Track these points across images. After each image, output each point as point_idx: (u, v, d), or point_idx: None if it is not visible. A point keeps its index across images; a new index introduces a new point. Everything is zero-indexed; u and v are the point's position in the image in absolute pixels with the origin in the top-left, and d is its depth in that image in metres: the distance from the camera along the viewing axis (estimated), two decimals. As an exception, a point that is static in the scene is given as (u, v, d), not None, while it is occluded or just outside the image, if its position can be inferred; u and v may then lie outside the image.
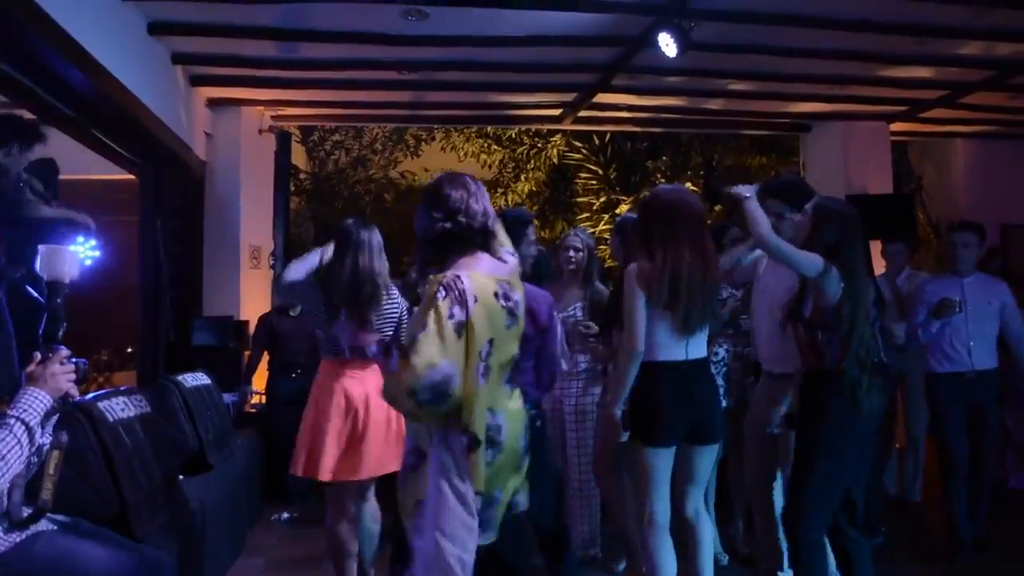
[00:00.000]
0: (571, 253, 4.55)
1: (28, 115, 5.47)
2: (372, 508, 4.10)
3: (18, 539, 2.43)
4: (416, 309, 2.39)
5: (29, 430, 2.32)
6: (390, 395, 2.39)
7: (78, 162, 5.84)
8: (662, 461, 3.36)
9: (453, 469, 2.35)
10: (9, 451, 2.27)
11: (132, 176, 6.73)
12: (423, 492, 2.38)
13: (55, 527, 2.56)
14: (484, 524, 2.42)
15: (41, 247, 2.52)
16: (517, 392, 2.64)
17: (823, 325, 3.26)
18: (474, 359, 2.34)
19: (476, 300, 2.35)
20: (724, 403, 4.55)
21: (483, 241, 2.51)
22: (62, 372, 2.43)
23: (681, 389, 3.34)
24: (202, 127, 7.20)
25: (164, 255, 6.42)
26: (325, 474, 3.77)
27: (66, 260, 2.53)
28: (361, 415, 3.78)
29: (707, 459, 3.49)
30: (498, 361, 2.45)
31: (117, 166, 6.50)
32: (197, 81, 6.84)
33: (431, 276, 2.39)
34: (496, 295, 2.44)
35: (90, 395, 3.47)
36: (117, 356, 9.43)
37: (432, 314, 2.30)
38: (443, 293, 2.32)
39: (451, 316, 2.29)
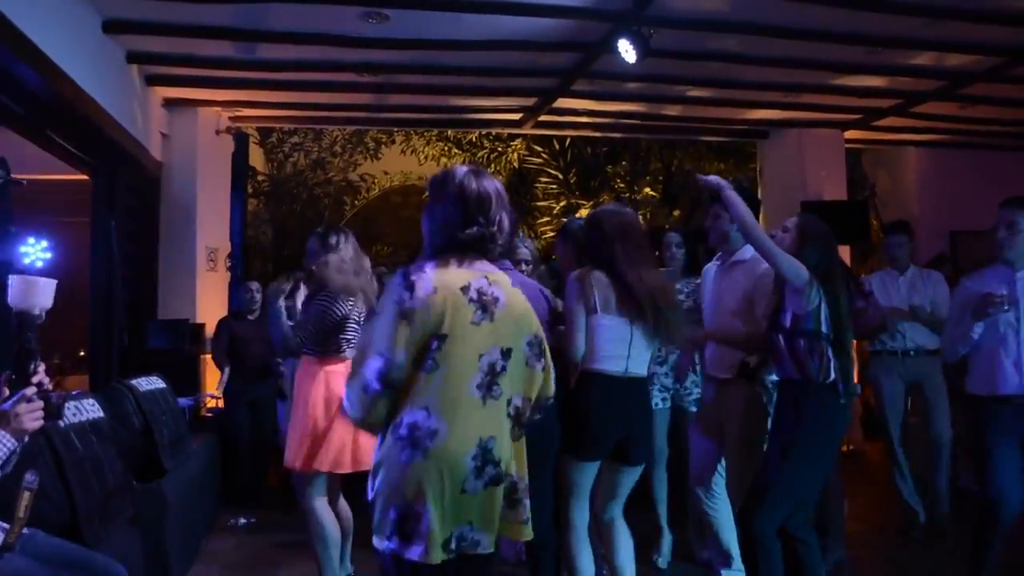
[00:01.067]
0: (523, 267, 4.54)
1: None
2: (344, 503, 4.16)
3: None
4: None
5: None
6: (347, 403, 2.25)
7: (30, 162, 5.74)
8: (586, 476, 3.41)
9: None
10: None
11: (85, 176, 6.62)
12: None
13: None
14: (410, 536, 2.11)
15: (12, 277, 2.36)
16: (501, 408, 2.25)
17: (804, 334, 3.30)
18: (411, 349, 2.16)
19: (434, 291, 2.18)
20: (668, 404, 4.67)
21: (497, 252, 2.39)
22: (27, 412, 2.31)
23: (614, 403, 3.36)
24: (158, 127, 7.11)
25: (118, 257, 6.32)
26: (329, 465, 3.80)
27: (39, 291, 2.36)
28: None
29: (630, 479, 3.52)
30: (462, 360, 2.19)
31: (69, 166, 6.39)
32: (153, 81, 6.75)
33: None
34: (465, 288, 2.22)
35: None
36: (69, 360, 9.25)
37: (383, 301, 2.22)
38: (400, 279, 2.21)
39: (399, 302, 2.17)
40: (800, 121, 8.42)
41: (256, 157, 10.23)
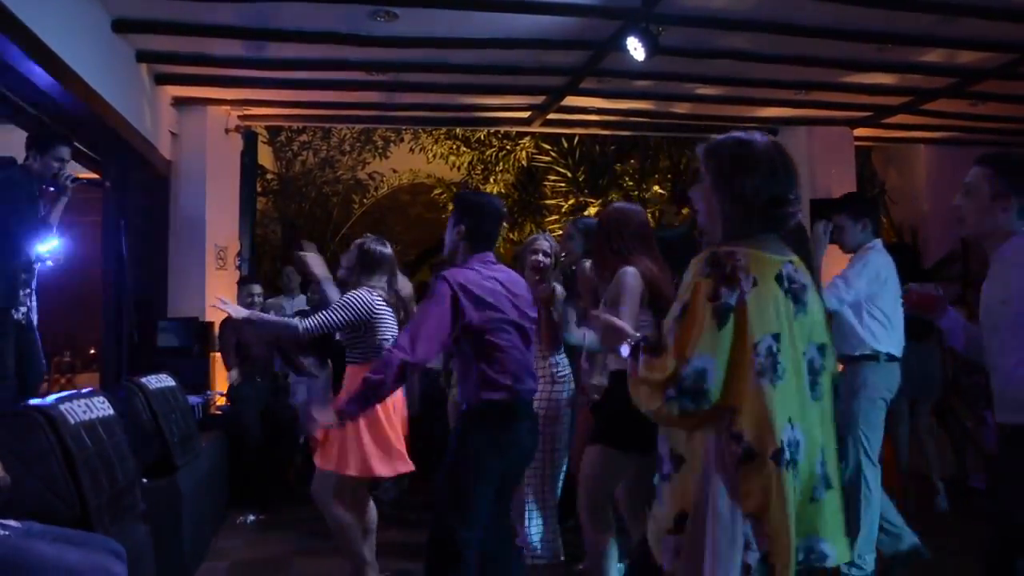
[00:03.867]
0: (540, 257, 4.55)
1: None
2: (372, 503, 4.18)
3: None
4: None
5: None
6: (637, 398, 2.03)
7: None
8: (625, 469, 3.39)
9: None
10: None
11: (95, 175, 6.64)
12: (688, 503, 1.98)
13: (4, 532, 2.53)
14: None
15: None
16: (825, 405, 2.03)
17: None
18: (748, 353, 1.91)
19: (756, 283, 1.92)
20: None
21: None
22: None
23: None
24: (167, 126, 7.12)
25: (128, 255, 6.34)
26: (386, 469, 3.84)
27: None
28: (398, 411, 3.94)
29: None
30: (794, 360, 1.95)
31: (80, 165, 6.41)
32: (162, 80, 6.77)
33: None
34: (779, 277, 1.97)
35: (52, 397, 3.42)
36: (80, 358, 9.31)
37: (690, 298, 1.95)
38: (706, 270, 1.94)
39: (716, 298, 1.90)
40: (810, 119, 8.39)
41: (265, 156, 10.27)
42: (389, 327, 3.94)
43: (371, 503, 4.18)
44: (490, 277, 3.20)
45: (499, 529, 3.36)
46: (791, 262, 2.00)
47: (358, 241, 4.14)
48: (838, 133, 8.62)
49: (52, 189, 4.31)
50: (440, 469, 3.23)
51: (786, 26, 5.77)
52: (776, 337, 1.91)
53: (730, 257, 1.93)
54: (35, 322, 4.44)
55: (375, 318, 3.88)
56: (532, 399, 3.35)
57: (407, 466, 3.94)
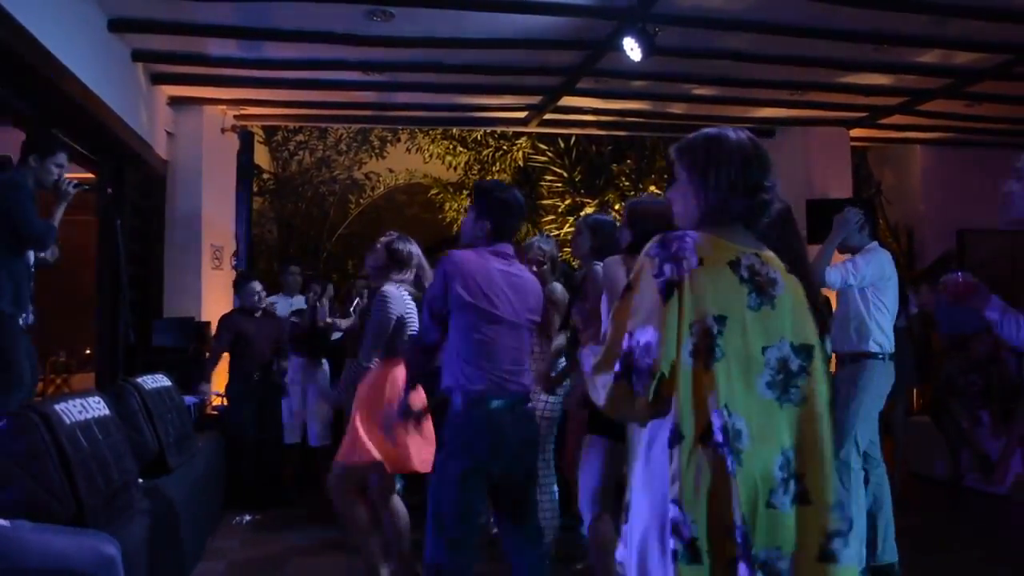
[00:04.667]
0: (535, 254, 4.56)
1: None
2: (400, 502, 4.17)
3: None
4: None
5: None
6: (595, 396, 1.94)
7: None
8: (623, 459, 3.39)
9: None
10: None
11: (91, 174, 6.63)
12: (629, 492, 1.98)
13: None
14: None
15: None
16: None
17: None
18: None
19: (702, 263, 1.88)
20: None
21: None
22: None
23: None
24: (163, 126, 7.12)
25: (124, 255, 6.33)
26: (418, 465, 3.84)
27: None
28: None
29: None
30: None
31: (75, 164, 6.40)
32: (158, 79, 6.76)
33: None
34: (735, 264, 1.93)
35: (47, 398, 3.41)
36: (75, 358, 9.28)
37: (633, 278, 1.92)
38: (655, 249, 1.91)
39: (660, 275, 1.86)
40: (806, 119, 8.40)
41: (261, 155, 10.25)
42: (414, 322, 3.98)
43: (401, 507, 4.13)
44: (498, 269, 3.18)
45: (517, 531, 3.32)
46: (756, 254, 1.96)
47: (384, 240, 4.15)
48: (834, 133, 8.63)
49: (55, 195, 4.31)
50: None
51: (782, 26, 5.77)
52: (720, 320, 1.84)
53: (678, 239, 1.91)
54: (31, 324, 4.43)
55: (405, 314, 3.95)
56: (522, 395, 3.26)
57: (412, 464, 3.91)
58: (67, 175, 4.41)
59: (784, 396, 1.88)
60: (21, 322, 4.11)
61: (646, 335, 1.84)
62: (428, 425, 3.91)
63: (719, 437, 1.79)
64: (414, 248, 4.12)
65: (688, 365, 1.83)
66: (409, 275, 4.07)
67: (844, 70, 6.85)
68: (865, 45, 6.15)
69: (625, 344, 1.86)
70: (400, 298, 3.95)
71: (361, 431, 3.85)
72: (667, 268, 1.87)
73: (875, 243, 4.43)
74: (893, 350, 4.27)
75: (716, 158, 2.00)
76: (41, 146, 4.25)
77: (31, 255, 4.28)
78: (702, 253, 1.89)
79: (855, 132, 8.77)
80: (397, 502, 4.12)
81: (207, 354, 6.70)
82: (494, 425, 3.11)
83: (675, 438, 1.82)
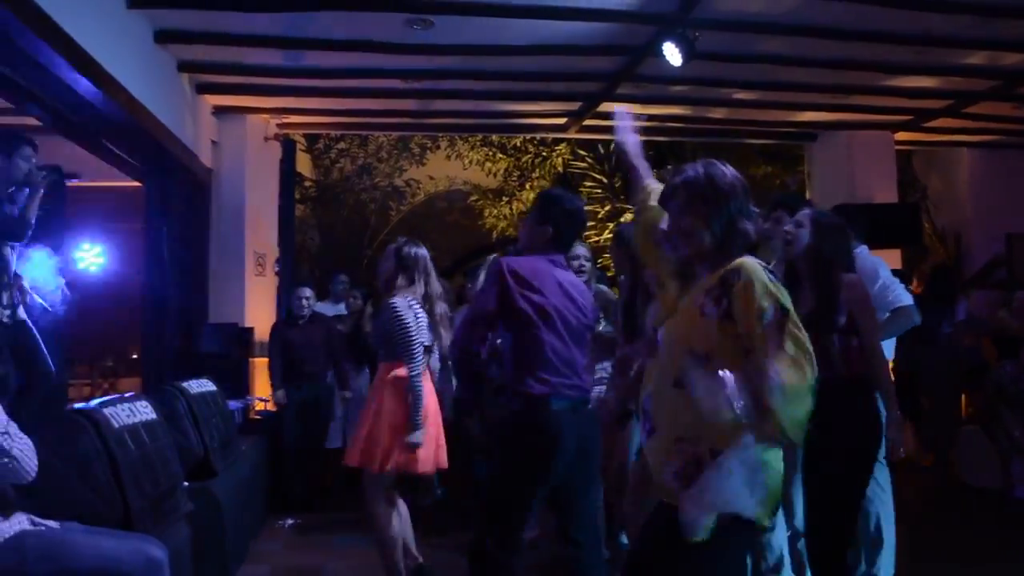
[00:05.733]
0: (582, 262, 4.54)
1: (33, 122, 5.54)
2: (400, 500, 4.21)
3: (6, 535, 2.46)
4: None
5: None
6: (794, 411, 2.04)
7: (84, 169, 5.87)
8: None
9: None
10: None
11: (138, 183, 6.76)
12: None
13: (43, 529, 2.59)
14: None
15: None
16: None
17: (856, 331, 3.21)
18: None
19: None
20: None
21: None
22: None
23: None
24: (208, 135, 7.23)
25: (169, 261, 6.44)
26: (426, 465, 3.94)
27: None
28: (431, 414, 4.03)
29: None
30: None
31: (123, 173, 6.53)
32: (203, 89, 6.87)
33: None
34: None
35: (95, 401, 3.47)
36: (122, 362, 9.46)
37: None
38: (769, 276, 2.15)
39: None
40: (849, 123, 8.29)
41: (303, 163, 10.38)
42: (423, 331, 4.02)
43: (402, 505, 4.19)
44: (557, 274, 3.17)
45: (577, 531, 3.25)
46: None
47: (392, 246, 4.22)
48: (878, 137, 8.51)
49: (27, 190, 4.27)
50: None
51: (824, 29, 5.71)
52: None
53: (765, 267, 2.18)
54: (39, 322, 4.38)
55: (417, 322, 3.99)
56: (583, 397, 3.21)
57: (419, 466, 3.95)
58: (113, 184, 4.45)
59: None
60: (3, 318, 4.10)
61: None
62: (428, 426, 3.96)
63: None
64: (422, 251, 4.16)
65: None
66: (418, 288, 4.09)
67: (888, 73, 6.75)
68: (909, 47, 6.06)
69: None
70: (407, 307, 3.99)
71: (386, 438, 3.90)
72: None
73: (863, 248, 4.12)
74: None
75: (727, 192, 2.27)
76: (2, 144, 4.25)
77: (8, 249, 4.25)
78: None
79: (900, 136, 8.63)
80: (399, 500, 4.20)
81: (251, 360, 6.80)
82: (555, 427, 3.07)
83: None
